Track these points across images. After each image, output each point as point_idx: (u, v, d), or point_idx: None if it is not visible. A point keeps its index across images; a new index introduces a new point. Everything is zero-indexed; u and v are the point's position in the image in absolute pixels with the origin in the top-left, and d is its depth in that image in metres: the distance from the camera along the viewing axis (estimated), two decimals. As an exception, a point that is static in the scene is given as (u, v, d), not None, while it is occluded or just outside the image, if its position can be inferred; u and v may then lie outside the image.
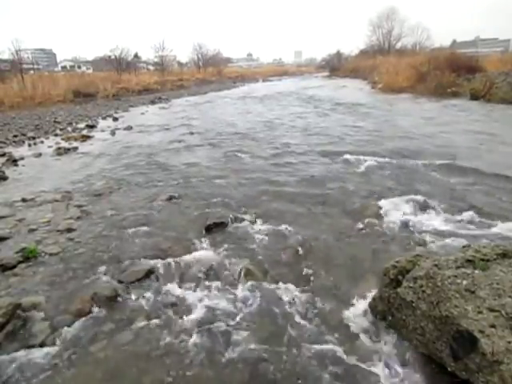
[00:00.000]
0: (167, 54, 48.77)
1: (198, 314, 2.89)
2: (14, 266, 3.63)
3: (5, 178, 6.95)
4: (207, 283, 3.32)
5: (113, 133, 12.22)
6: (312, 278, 3.35)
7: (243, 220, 4.59)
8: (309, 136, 10.16)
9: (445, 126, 10.63)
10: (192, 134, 11.34)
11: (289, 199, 5.30)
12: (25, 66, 31.41)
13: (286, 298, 3.05)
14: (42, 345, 2.61)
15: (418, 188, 5.45)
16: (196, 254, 3.77)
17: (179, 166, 7.42)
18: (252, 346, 2.54)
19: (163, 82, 36.39)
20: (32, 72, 33.60)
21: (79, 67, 64.08)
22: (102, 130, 12.92)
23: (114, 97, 26.98)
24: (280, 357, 2.45)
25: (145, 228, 4.46)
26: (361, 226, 4.36)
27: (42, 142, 10.97)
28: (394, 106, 16.17)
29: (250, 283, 3.26)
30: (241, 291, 3.18)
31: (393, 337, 2.50)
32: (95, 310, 2.98)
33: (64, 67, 64.81)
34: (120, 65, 39.07)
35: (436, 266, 2.42)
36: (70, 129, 13.27)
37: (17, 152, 9.41)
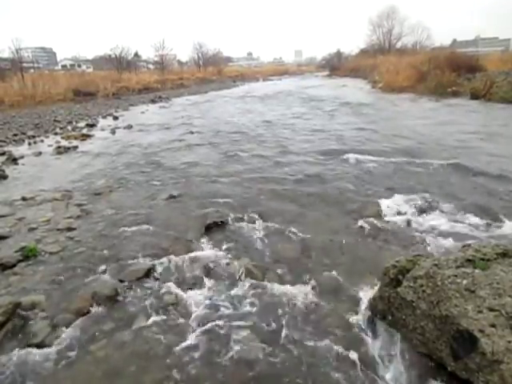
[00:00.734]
0: (167, 52, 48.89)
1: (197, 313, 2.89)
2: (14, 265, 3.63)
3: (5, 177, 6.94)
4: (207, 282, 3.32)
5: (113, 132, 12.21)
6: (312, 278, 3.34)
7: (243, 219, 4.59)
8: (308, 135, 10.16)
9: (445, 126, 10.63)
10: (192, 133, 11.33)
11: (288, 198, 5.30)
12: (25, 64, 31.44)
13: (285, 298, 3.05)
14: (41, 344, 2.60)
15: (418, 187, 5.45)
16: (196, 254, 3.77)
17: (179, 165, 7.42)
18: (252, 346, 2.54)
19: (163, 81, 36.39)
20: (32, 71, 33.58)
21: (79, 66, 64.05)
22: (102, 129, 12.92)
23: (114, 96, 26.98)
24: (280, 356, 2.45)
25: (145, 227, 4.46)
26: (361, 225, 4.36)
27: (42, 140, 10.98)
28: (394, 106, 16.16)
29: (249, 282, 3.26)
30: (240, 291, 3.17)
31: (393, 336, 2.50)
32: (95, 309, 2.98)
33: (64, 66, 64.74)
34: (120, 64, 39.07)
35: (436, 265, 2.42)
36: (70, 128, 13.27)
37: (17, 151, 9.41)
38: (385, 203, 4.87)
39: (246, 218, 4.63)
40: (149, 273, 3.43)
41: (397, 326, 2.49)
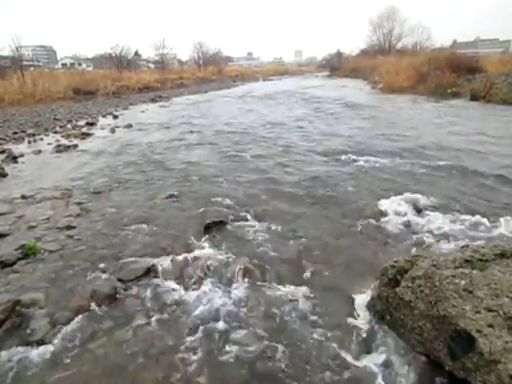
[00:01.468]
0: (168, 52, 48.82)
1: (196, 312, 2.90)
2: (14, 263, 3.64)
3: (4, 175, 6.94)
4: (206, 282, 3.32)
5: (113, 131, 12.21)
6: (311, 278, 3.36)
7: (243, 219, 4.60)
8: (308, 136, 10.17)
9: (444, 127, 10.65)
10: (192, 132, 11.33)
11: (288, 198, 5.31)
12: (25, 62, 31.35)
13: (284, 297, 3.06)
14: (41, 341, 2.61)
15: (417, 188, 5.45)
16: (195, 253, 3.78)
17: (179, 165, 7.42)
18: (251, 345, 2.55)
19: (163, 80, 36.35)
20: (32, 69, 33.48)
21: (79, 64, 63.94)
22: (102, 128, 12.92)
23: (114, 95, 26.94)
24: (278, 356, 2.45)
25: (144, 226, 4.47)
26: (360, 225, 4.37)
27: (42, 139, 10.97)
28: (394, 107, 16.17)
29: (248, 282, 3.27)
30: (240, 290, 3.18)
31: (391, 336, 2.51)
32: (94, 307, 2.99)
33: (64, 64, 64.55)
34: (120, 62, 39.02)
35: (434, 265, 2.43)
36: (69, 126, 13.26)
37: (16, 149, 9.40)
38: (384, 204, 4.88)
39: (245, 217, 4.64)
40: (148, 272, 3.44)
41: (395, 326, 2.51)
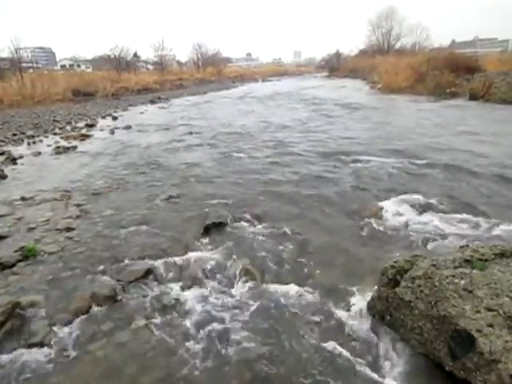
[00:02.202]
0: (167, 53, 48.80)
1: (196, 313, 2.90)
2: (13, 265, 3.63)
3: (4, 177, 6.94)
4: (206, 283, 3.32)
5: (112, 132, 12.21)
6: (311, 278, 3.35)
7: (242, 220, 4.60)
8: (307, 136, 10.16)
9: (443, 127, 10.65)
10: (191, 133, 11.33)
11: (288, 199, 5.31)
12: (24, 64, 31.35)
13: (284, 298, 3.06)
14: (40, 343, 2.60)
15: (417, 188, 5.46)
16: (195, 254, 3.78)
17: (178, 166, 7.42)
18: (251, 346, 2.54)
19: (162, 81, 36.38)
20: (31, 70, 33.52)
21: (79, 66, 63.91)
22: (102, 129, 12.92)
23: (114, 96, 26.98)
24: (278, 357, 2.45)
25: (144, 227, 4.46)
26: (360, 225, 4.37)
27: (41, 140, 10.97)
28: (393, 107, 16.19)
29: (248, 283, 3.26)
30: (239, 291, 3.18)
31: (391, 336, 2.51)
32: (94, 309, 2.98)
33: (63, 66, 64.57)
34: (119, 64, 39.09)
35: (434, 265, 2.43)
36: (69, 128, 13.26)
37: (16, 151, 9.39)
38: (383, 204, 4.88)
39: (244, 218, 4.64)
40: (148, 273, 3.43)
41: (395, 326, 2.51)
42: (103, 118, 16.20)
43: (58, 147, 9.56)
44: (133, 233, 4.32)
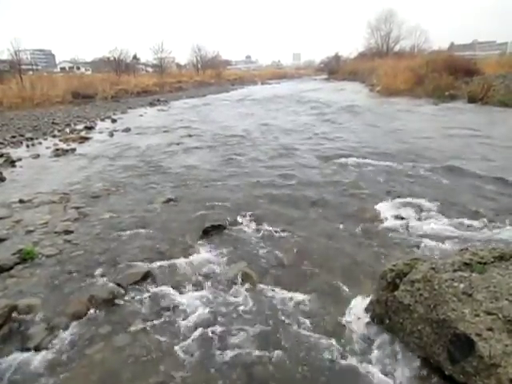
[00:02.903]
0: (166, 55, 48.88)
1: (194, 316, 2.88)
2: (11, 268, 3.62)
3: (2, 179, 6.93)
4: (204, 286, 3.31)
5: (111, 134, 12.21)
6: (309, 281, 3.34)
7: (241, 223, 4.59)
8: (306, 139, 10.18)
9: (442, 129, 10.66)
10: (190, 136, 11.33)
11: (286, 202, 5.30)
12: (24, 66, 31.34)
13: (283, 302, 3.04)
14: (38, 347, 2.59)
15: (415, 191, 5.46)
16: (193, 257, 3.77)
17: (177, 169, 7.41)
18: (249, 349, 2.53)
19: (162, 83, 36.40)
20: (31, 73, 33.56)
21: (78, 68, 63.86)
22: (101, 132, 12.92)
23: (113, 98, 26.98)
24: (277, 360, 2.44)
25: (142, 230, 4.45)
26: (358, 229, 4.37)
27: (40, 143, 10.96)
28: (392, 109, 16.20)
29: (247, 286, 3.25)
30: (238, 294, 3.17)
31: (390, 340, 2.50)
32: (92, 312, 2.97)
33: (63, 68, 64.51)
34: (119, 66, 39.14)
35: (433, 269, 2.42)
36: (68, 130, 13.26)
37: (15, 153, 9.39)
38: (383, 207, 4.88)
39: (243, 221, 4.63)
40: (146, 276, 3.42)
41: (394, 330, 2.49)
42: (102, 120, 16.20)
43: (57, 150, 9.55)
44: (131, 236, 4.31)
